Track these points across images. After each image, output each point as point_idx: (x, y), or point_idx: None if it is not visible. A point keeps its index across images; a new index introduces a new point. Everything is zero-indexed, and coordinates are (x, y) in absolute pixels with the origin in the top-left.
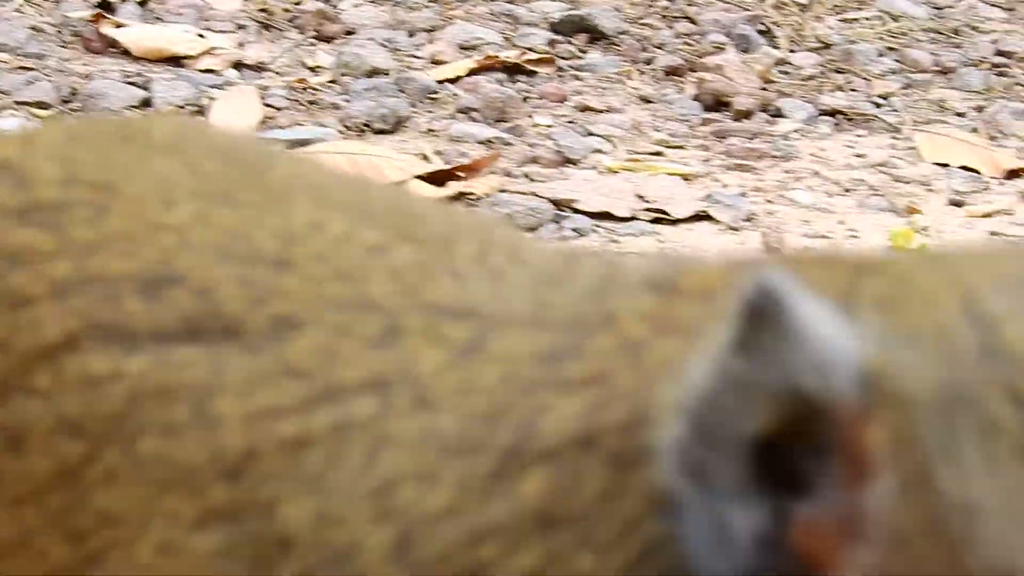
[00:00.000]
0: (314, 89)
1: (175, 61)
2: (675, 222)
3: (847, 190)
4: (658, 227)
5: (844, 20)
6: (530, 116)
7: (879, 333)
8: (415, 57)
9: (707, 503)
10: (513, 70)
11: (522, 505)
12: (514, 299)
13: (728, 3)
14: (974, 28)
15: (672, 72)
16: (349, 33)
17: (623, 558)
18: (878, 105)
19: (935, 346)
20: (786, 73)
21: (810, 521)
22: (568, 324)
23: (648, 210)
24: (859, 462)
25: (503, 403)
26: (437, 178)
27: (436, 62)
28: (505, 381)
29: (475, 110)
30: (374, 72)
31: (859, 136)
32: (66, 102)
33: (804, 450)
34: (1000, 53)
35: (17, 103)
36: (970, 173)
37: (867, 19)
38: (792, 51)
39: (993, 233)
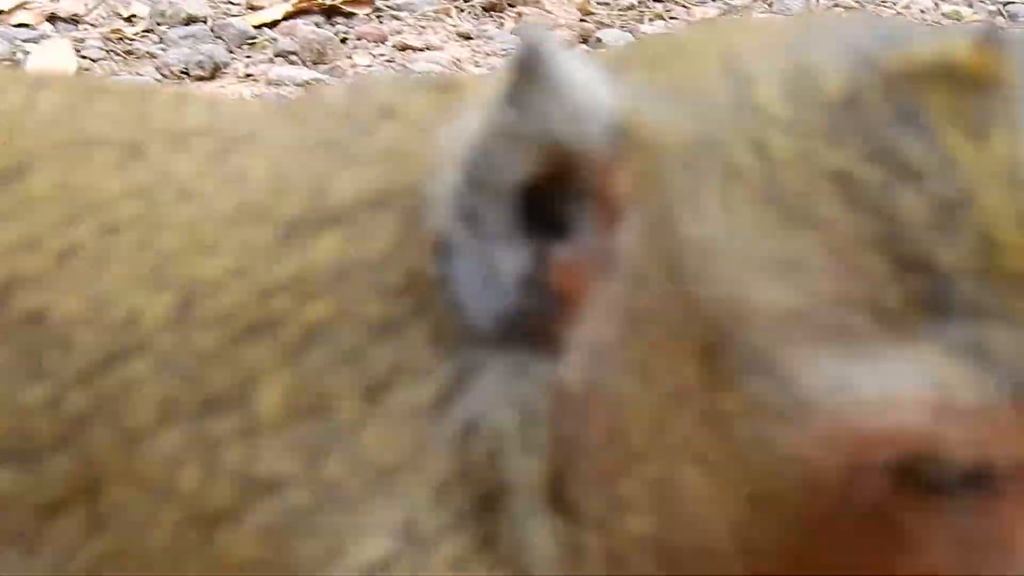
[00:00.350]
0: (130, 39)
1: None
2: None
3: None
4: None
5: None
6: (349, 57)
7: (639, 87)
8: (231, 3)
9: (477, 246)
10: (331, 12)
11: (313, 261)
12: (267, 125)
13: None
14: None
15: (490, 8)
16: None
17: (408, 304)
18: None
19: (690, 99)
20: (605, 4)
21: (567, 261)
22: (346, 125)
23: None
24: (610, 206)
25: (282, 183)
26: None
27: (253, 7)
28: (277, 167)
29: (293, 53)
30: (190, 20)
31: None
32: None
33: (564, 196)
34: None
35: None
36: None
37: None
38: None
39: None
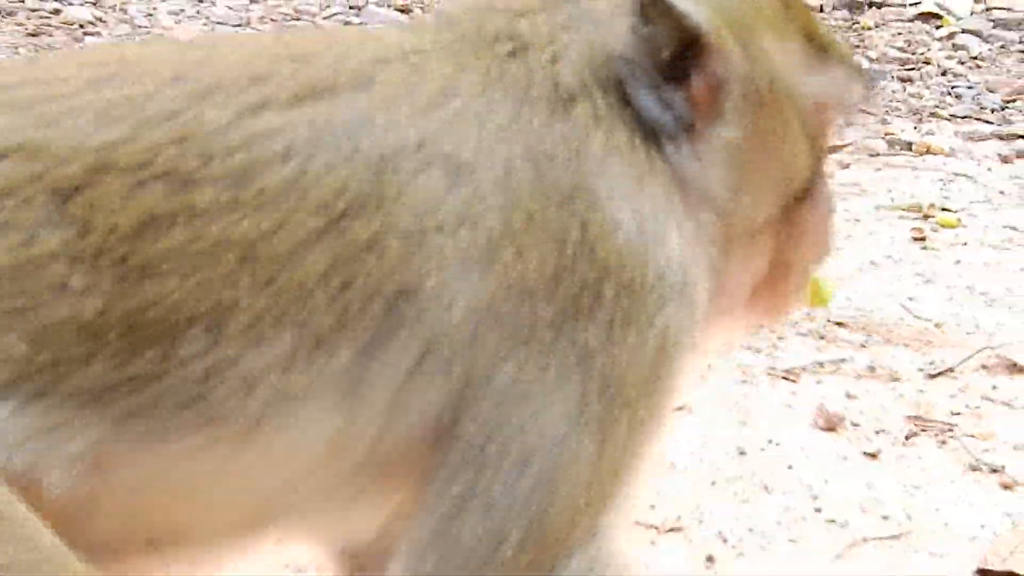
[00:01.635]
0: None
1: None
2: None
3: None
4: None
5: None
6: None
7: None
8: None
9: (649, 79)
10: None
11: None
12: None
13: None
14: None
15: None
16: None
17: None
18: None
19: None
20: None
21: (702, 86)
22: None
23: None
24: (722, 55)
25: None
26: None
27: None
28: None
29: None
30: None
31: None
32: None
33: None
34: None
35: None
36: None
37: None
38: None
39: None
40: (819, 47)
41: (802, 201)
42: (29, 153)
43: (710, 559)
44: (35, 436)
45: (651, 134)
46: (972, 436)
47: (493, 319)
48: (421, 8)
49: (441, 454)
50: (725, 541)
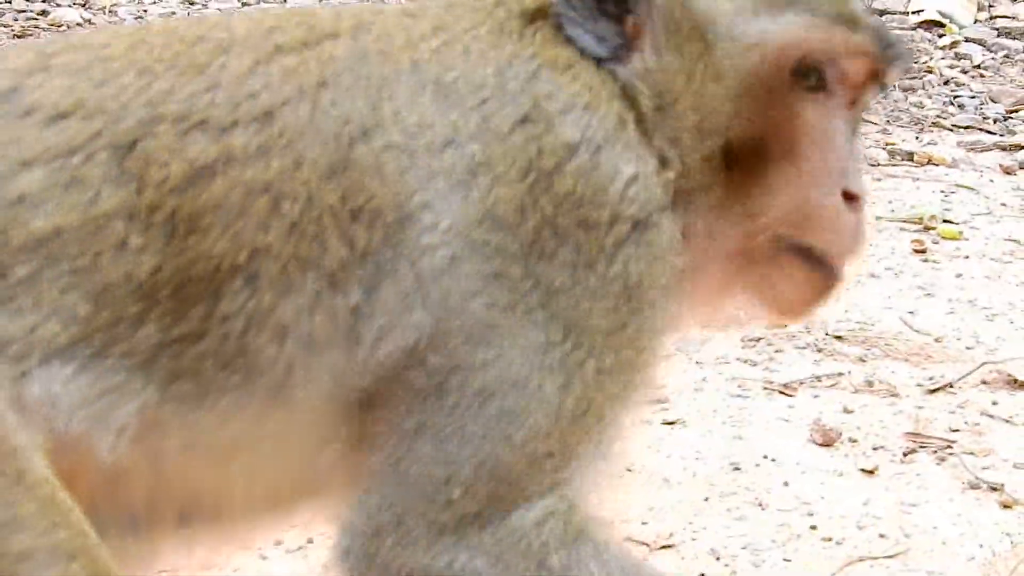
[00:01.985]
0: None
1: None
2: None
3: None
4: None
5: None
6: None
7: None
8: None
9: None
10: None
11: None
12: None
13: None
14: None
15: None
16: None
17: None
18: None
19: None
20: None
21: (635, 23)
22: None
23: None
24: None
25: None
26: None
27: None
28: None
29: None
30: None
31: None
32: None
33: None
34: None
35: None
36: None
37: None
38: None
39: None
40: None
41: (762, 158)
42: (88, 112)
43: None
44: (92, 400)
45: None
46: (971, 453)
47: (470, 247)
48: None
49: (404, 386)
50: (718, 558)
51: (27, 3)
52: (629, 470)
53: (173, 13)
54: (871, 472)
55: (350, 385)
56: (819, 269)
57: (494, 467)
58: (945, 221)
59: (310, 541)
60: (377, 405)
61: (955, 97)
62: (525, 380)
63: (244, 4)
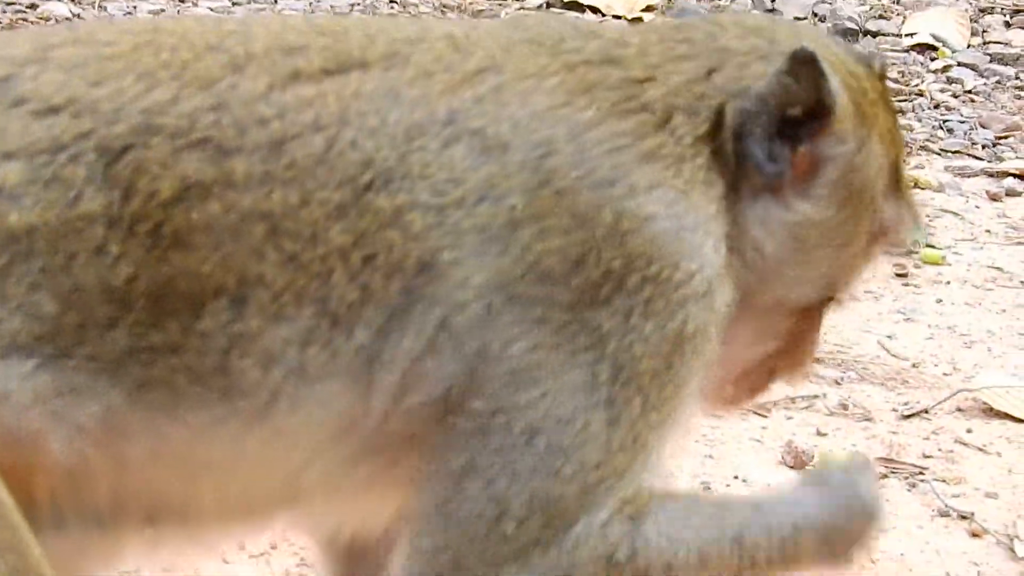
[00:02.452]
0: None
1: None
2: None
3: None
4: None
5: None
6: None
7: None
8: None
9: (764, 135)
10: None
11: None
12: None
13: None
14: None
15: None
16: None
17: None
18: None
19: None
20: None
21: (806, 154)
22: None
23: None
24: (835, 135)
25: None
26: None
27: None
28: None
29: None
30: None
31: None
32: None
33: (807, 123)
34: None
35: None
36: None
37: None
38: None
39: None
40: (901, 178)
41: (825, 306)
42: (79, 110)
43: None
44: (49, 398)
45: (736, 178)
46: (943, 480)
47: (508, 297)
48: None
49: (445, 430)
50: None
51: None
52: None
53: (162, 11)
54: None
55: (361, 424)
56: (773, 383)
57: (546, 500)
58: (928, 246)
59: (273, 547)
60: (412, 447)
61: (944, 121)
62: (571, 417)
63: (235, 4)
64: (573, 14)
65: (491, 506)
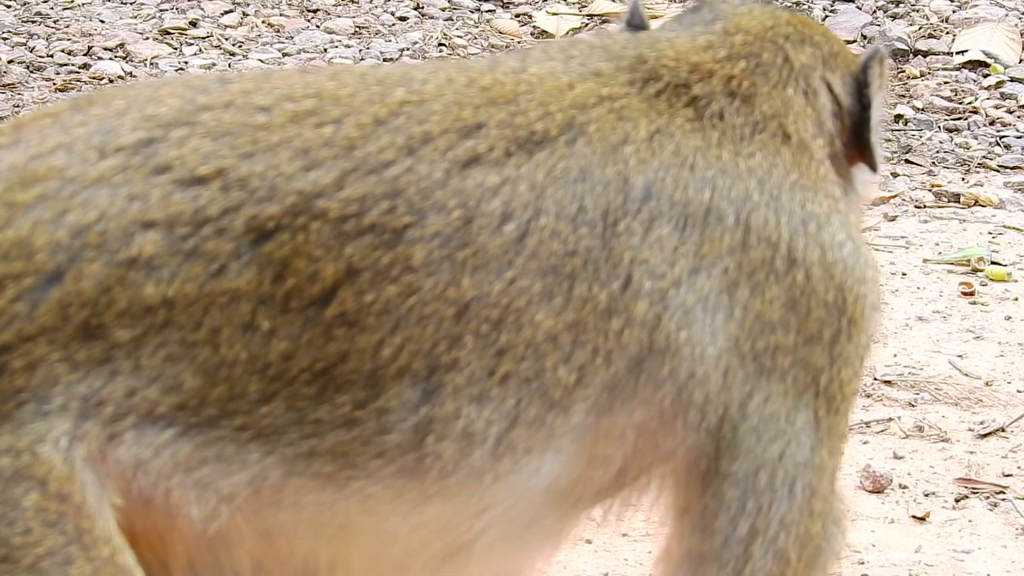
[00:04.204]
0: None
1: None
2: None
3: None
4: None
5: None
6: None
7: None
8: None
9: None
10: None
11: None
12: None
13: None
14: None
15: None
16: None
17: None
18: None
19: None
20: None
21: None
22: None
23: None
24: None
25: None
26: None
27: None
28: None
29: None
30: None
31: None
32: None
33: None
34: None
35: None
36: None
37: None
38: None
39: None
40: None
41: None
42: (227, 184)
43: None
44: (191, 467)
45: (840, 171)
46: None
47: (739, 358)
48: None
49: (714, 497)
50: None
51: (68, 57)
52: None
53: (213, 64)
54: (922, 519)
55: (569, 493)
56: None
57: (807, 542)
58: (993, 263)
59: None
60: (682, 517)
61: (1001, 137)
62: (810, 457)
63: (285, 55)
64: None
65: (777, 564)
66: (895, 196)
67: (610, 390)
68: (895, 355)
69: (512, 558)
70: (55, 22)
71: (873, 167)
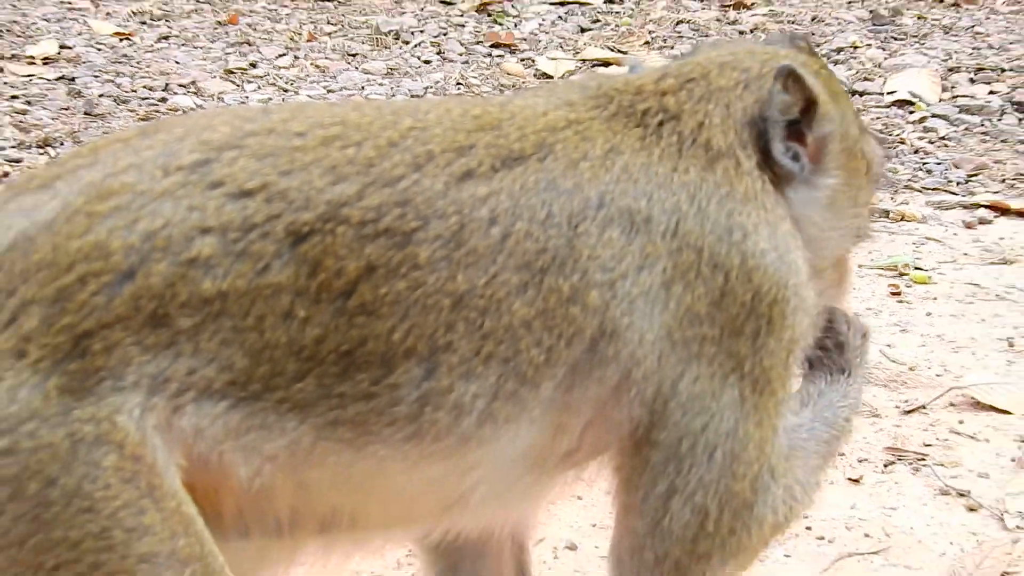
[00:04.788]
0: None
1: None
2: None
3: None
4: None
5: None
6: None
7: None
8: None
9: (781, 133)
10: None
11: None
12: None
13: None
14: None
15: None
16: None
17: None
18: None
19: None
20: None
21: (814, 141)
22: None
23: None
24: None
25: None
26: None
27: None
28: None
29: None
30: None
31: None
32: None
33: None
34: None
35: None
36: None
37: None
38: None
39: None
40: (859, 118)
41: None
42: (270, 196)
43: None
44: (240, 434)
45: (776, 183)
46: (942, 465)
47: (671, 344)
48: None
49: (642, 463)
50: None
51: (149, 92)
52: None
53: (269, 99)
54: (857, 481)
55: (543, 457)
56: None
57: (729, 498)
58: (916, 268)
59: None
60: (617, 475)
61: (924, 163)
62: (734, 428)
63: (329, 91)
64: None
65: (695, 516)
66: None
67: (572, 368)
68: None
69: (500, 512)
70: (138, 63)
71: (785, 178)
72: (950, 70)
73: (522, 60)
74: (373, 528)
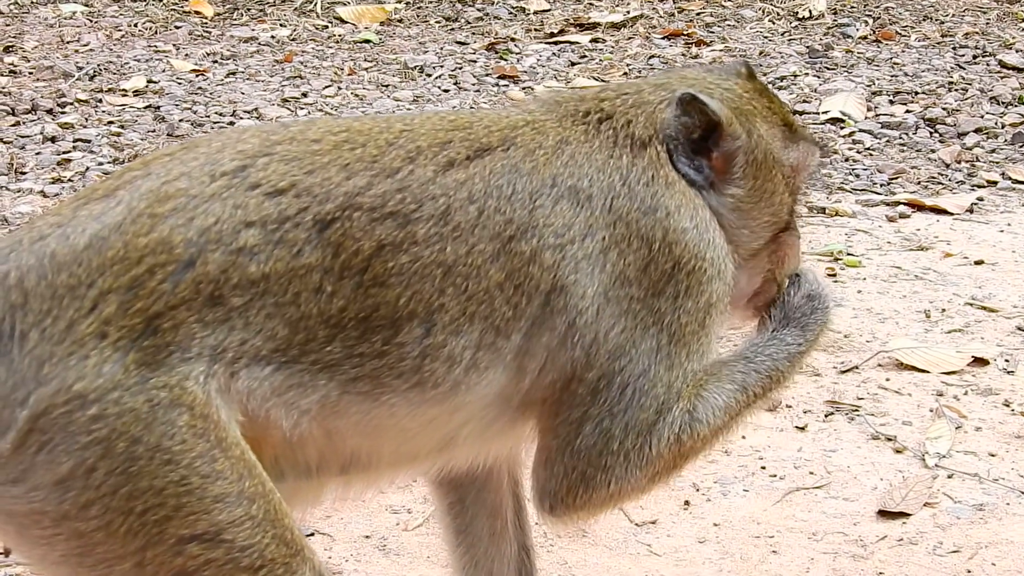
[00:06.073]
0: None
1: None
2: None
3: None
4: None
5: None
6: None
7: (718, 102)
8: None
9: (685, 149)
10: None
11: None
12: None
13: None
14: None
15: None
16: None
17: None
18: None
19: (724, 102)
20: None
21: (720, 156)
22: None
23: None
24: (730, 139)
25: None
26: None
27: None
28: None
29: None
30: None
31: None
32: None
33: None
34: None
35: None
36: None
37: None
38: None
39: None
40: (792, 129)
41: (785, 231)
42: (298, 192)
43: (687, 503)
44: (282, 392)
45: (691, 184)
46: (872, 415)
47: (607, 300)
48: None
49: (569, 394)
50: (697, 490)
51: (220, 117)
52: None
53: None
54: (802, 428)
55: (510, 396)
56: (779, 286)
57: (635, 422)
58: (848, 254)
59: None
60: (544, 406)
61: (853, 170)
62: (647, 369)
63: (341, 106)
64: None
65: (601, 438)
66: None
67: (532, 320)
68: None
69: (484, 448)
70: (211, 94)
71: (694, 184)
72: (873, 93)
73: (524, 88)
74: (384, 467)
